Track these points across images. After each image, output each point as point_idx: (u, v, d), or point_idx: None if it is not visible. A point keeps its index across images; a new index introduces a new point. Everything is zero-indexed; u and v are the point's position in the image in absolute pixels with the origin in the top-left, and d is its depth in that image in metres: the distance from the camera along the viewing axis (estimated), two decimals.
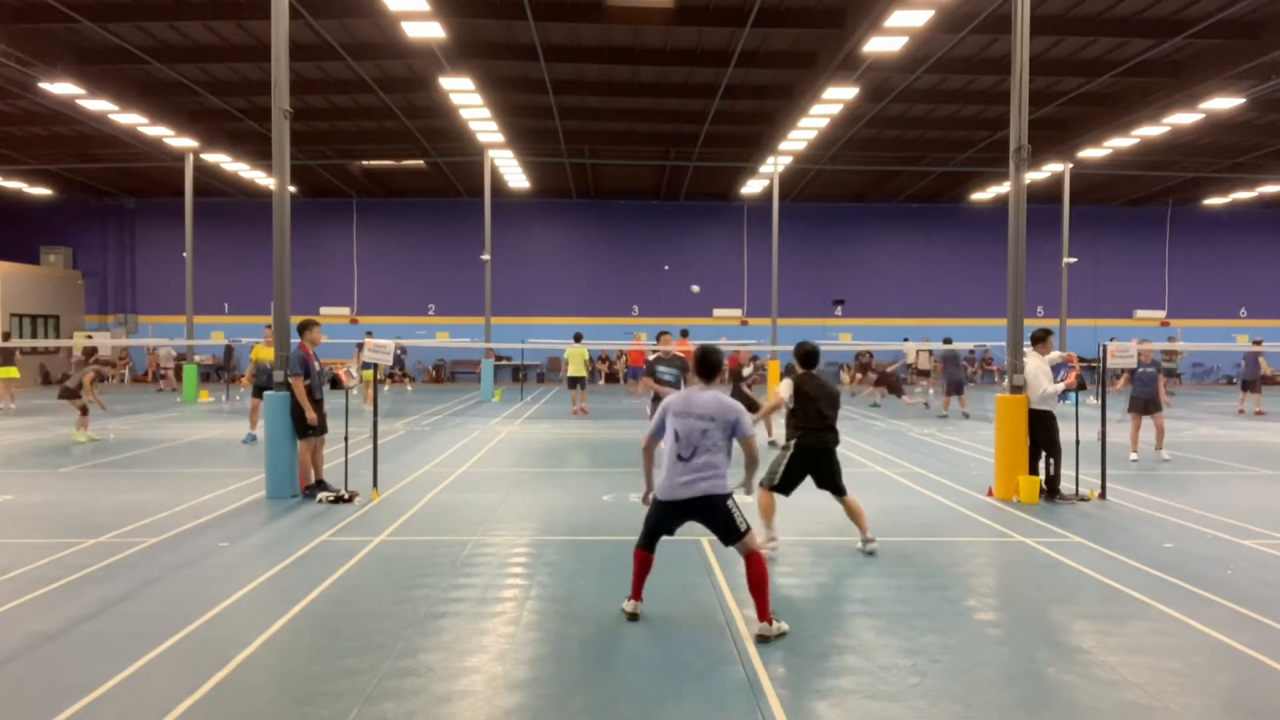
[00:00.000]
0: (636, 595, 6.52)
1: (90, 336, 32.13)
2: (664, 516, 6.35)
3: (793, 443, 8.32)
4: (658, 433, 6.42)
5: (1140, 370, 14.43)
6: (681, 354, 15.03)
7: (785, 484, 8.39)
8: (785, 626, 6.20)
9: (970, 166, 31.33)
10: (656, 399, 15.07)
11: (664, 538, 6.49)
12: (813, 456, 8.31)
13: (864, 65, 19.95)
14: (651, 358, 15.29)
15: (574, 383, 22.65)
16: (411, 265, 37.02)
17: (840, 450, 8.51)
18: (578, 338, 23.42)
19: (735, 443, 6.32)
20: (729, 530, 6.22)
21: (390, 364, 13.08)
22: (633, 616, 6.44)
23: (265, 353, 15.60)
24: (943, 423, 20.62)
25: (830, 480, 8.47)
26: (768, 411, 9.30)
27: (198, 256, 29.94)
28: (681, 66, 22.22)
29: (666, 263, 36.91)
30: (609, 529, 9.35)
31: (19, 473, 13.35)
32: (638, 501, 10.77)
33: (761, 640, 6.02)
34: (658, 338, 15.45)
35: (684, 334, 27.97)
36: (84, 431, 16.39)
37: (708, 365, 6.51)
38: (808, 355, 8.53)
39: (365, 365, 14.49)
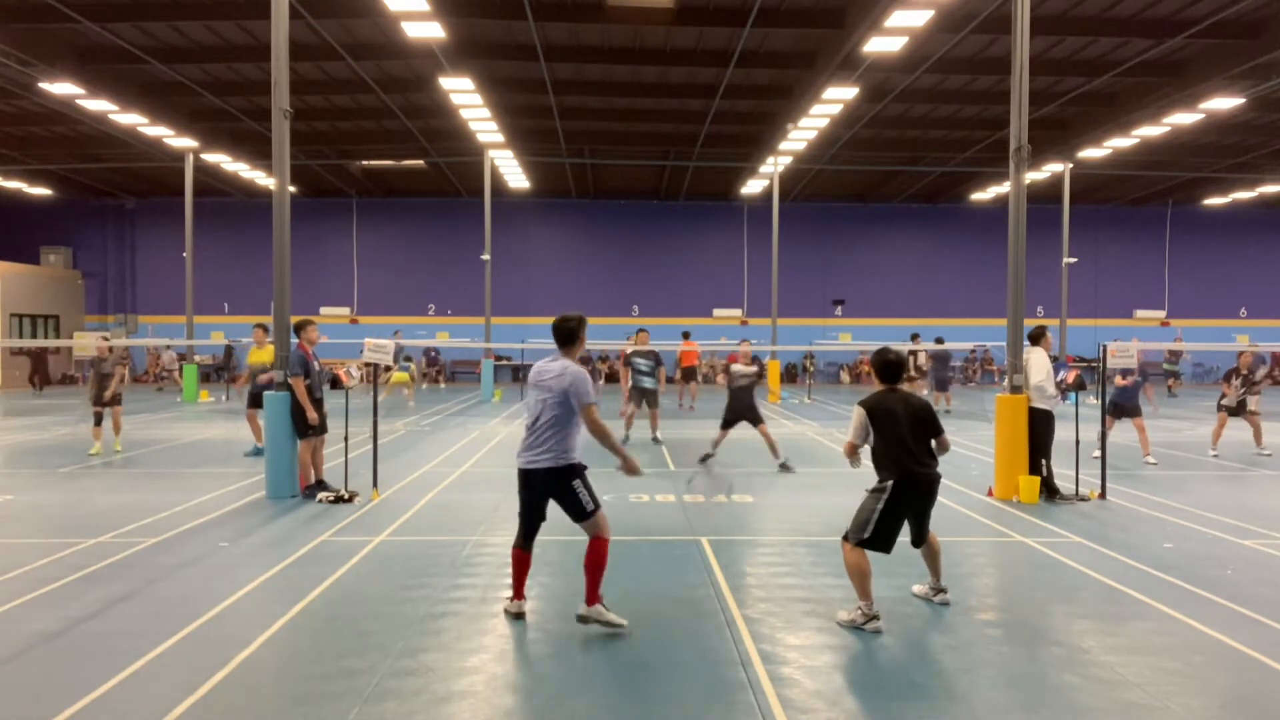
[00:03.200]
0: (518, 594, 6.51)
1: (106, 338, 32.09)
2: (524, 491, 6.25)
3: (889, 483, 6.44)
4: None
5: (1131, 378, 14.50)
6: (652, 349, 16.13)
7: (881, 537, 6.44)
8: (620, 621, 6.14)
9: (970, 166, 31.33)
10: (637, 390, 15.88)
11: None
12: (914, 496, 6.51)
13: (864, 65, 19.95)
14: (629, 350, 16.55)
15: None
16: (411, 265, 37.03)
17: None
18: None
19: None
20: (574, 508, 6.14)
21: (390, 364, 12.96)
22: (516, 616, 6.43)
23: (262, 355, 14.73)
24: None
25: (919, 522, 6.68)
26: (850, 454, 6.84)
27: (198, 256, 29.95)
28: (681, 66, 22.23)
29: (673, 261, 36.89)
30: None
31: (19, 473, 13.35)
32: (638, 501, 10.80)
33: (581, 620, 6.14)
34: (636, 333, 16.64)
35: (685, 335, 28.01)
36: (117, 438, 15.56)
37: (564, 333, 6.32)
38: (885, 367, 6.74)
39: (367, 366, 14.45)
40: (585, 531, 6.22)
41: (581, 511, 6.15)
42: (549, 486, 6.13)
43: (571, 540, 8.03)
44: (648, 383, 16.00)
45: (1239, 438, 16.53)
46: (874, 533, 6.43)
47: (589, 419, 6.08)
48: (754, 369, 13.89)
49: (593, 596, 6.14)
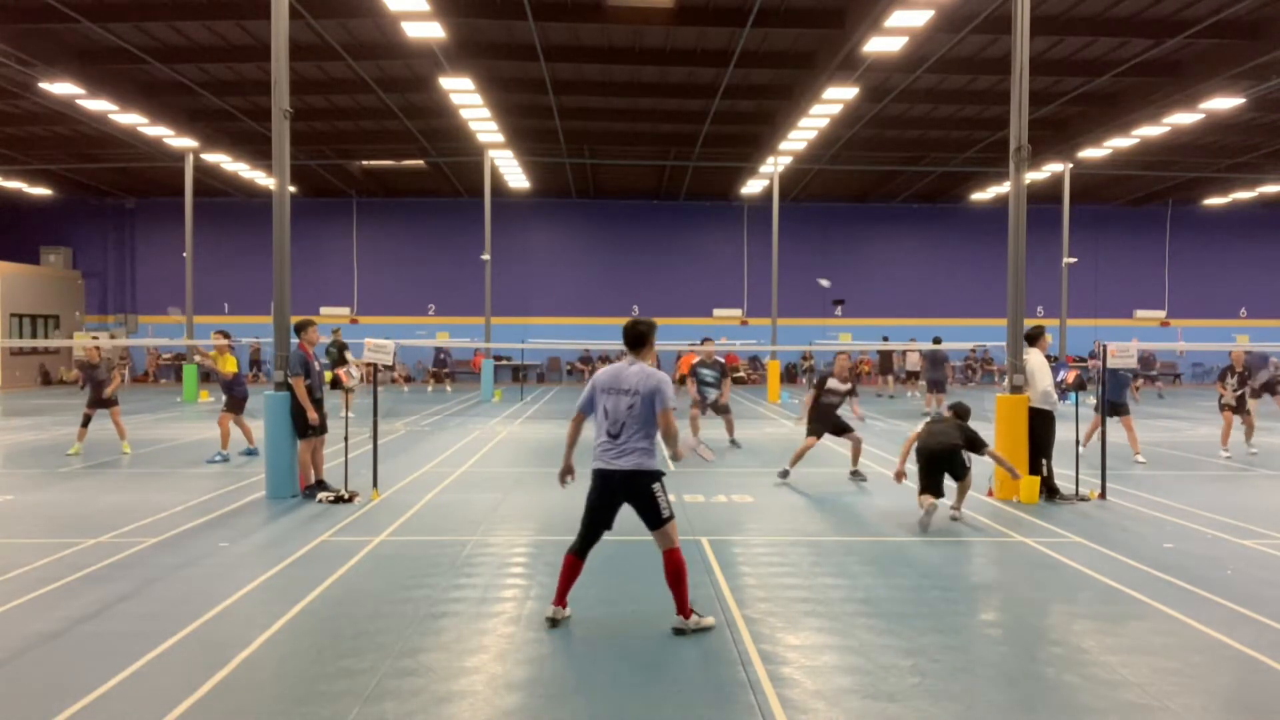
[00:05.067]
0: (559, 601, 6.41)
1: (95, 338, 32.04)
2: (599, 493, 6.15)
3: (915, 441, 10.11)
4: (586, 408, 6.31)
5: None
6: (721, 359, 15.82)
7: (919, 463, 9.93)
8: (709, 621, 6.27)
9: (970, 166, 31.33)
10: (705, 401, 15.63)
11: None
12: (932, 457, 9.80)
13: (864, 65, 19.95)
14: (695, 360, 16.18)
15: None
16: (411, 265, 37.03)
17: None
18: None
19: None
20: (652, 513, 6.09)
21: (390, 364, 12.93)
22: (553, 623, 6.33)
23: (228, 364, 14.84)
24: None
25: (950, 472, 9.90)
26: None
27: (198, 256, 29.94)
28: (681, 66, 22.22)
29: (673, 261, 36.86)
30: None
31: (19, 473, 13.35)
32: None
33: (678, 633, 6.10)
34: (701, 342, 16.14)
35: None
36: (125, 441, 15.34)
37: (633, 336, 6.28)
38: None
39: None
40: (658, 543, 6.16)
41: (657, 517, 6.08)
42: (628, 488, 6.06)
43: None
44: (712, 394, 15.71)
45: (1238, 438, 16.52)
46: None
47: (666, 421, 6.05)
48: (847, 387, 12.83)
49: (684, 608, 6.13)
